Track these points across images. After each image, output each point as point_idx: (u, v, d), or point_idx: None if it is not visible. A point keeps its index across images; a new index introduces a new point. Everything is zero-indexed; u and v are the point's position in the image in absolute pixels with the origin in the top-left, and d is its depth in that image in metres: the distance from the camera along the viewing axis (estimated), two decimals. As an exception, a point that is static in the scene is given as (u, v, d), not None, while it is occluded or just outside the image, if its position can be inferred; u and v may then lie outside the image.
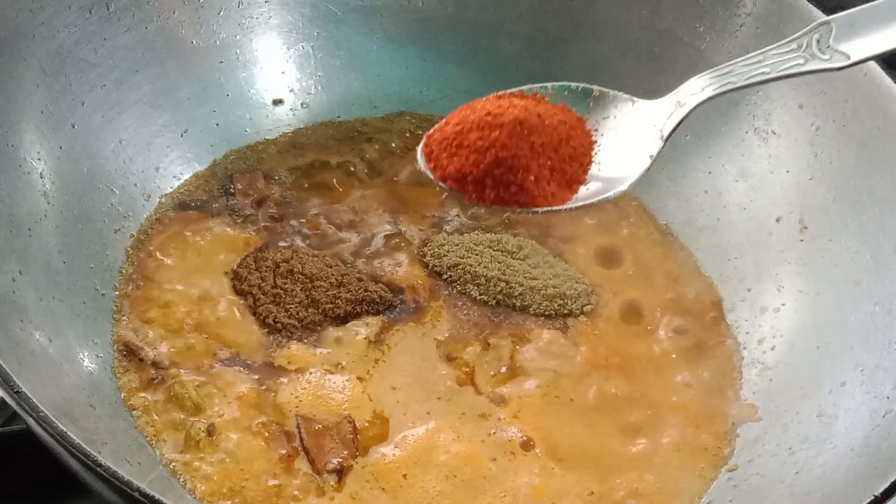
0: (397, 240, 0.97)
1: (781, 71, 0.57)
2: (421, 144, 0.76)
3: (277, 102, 1.05)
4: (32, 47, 0.84)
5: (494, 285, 0.92)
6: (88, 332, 0.83)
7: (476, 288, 0.93)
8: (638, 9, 1.00)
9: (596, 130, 0.72)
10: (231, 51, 1.02)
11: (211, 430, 0.79)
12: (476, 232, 0.98)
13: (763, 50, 0.56)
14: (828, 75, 0.89)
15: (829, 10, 0.90)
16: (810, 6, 0.91)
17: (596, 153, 0.72)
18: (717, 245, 0.98)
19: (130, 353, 0.84)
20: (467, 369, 0.88)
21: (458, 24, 1.06)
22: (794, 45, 0.56)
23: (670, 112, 0.67)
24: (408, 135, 1.06)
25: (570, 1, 1.03)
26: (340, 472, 0.79)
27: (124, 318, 0.86)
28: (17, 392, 0.63)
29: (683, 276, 0.97)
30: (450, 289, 0.93)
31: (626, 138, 0.70)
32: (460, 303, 0.92)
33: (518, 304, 0.92)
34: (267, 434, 0.80)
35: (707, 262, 0.98)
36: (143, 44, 0.95)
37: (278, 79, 1.05)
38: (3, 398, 0.64)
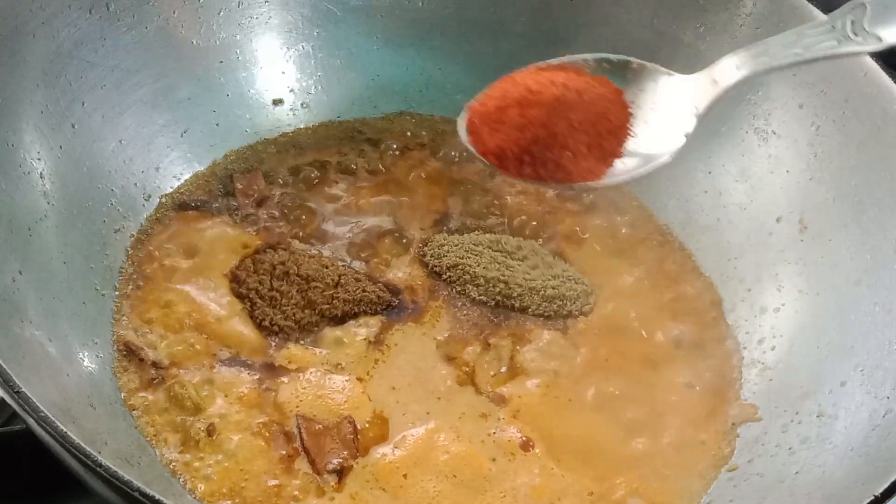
0: (397, 240, 0.97)
1: (815, 52, 0.56)
2: (462, 117, 0.75)
3: (277, 102, 1.05)
4: (32, 47, 0.84)
5: (494, 286, 0.92)
6: (88, 332, 0.83)
7: (475, 288, 0.93)
8: (638, 9, 1.00)
9: (633, 103, 0.71)
10: (231, 51, 1.02)
11: (211, 430, 0.79)
12: (476, 232, 0.98)
13: (797, 29, 0.55)
14: (828, 74, 0.90)
15: (829, 11, 0.91)
16: (810, 6, 0.91)
17: (632, 126, 0.71)
18: (717, 245, 0.98)
19: (130, 353, 0.84)
20: (467, 369, 0.88)
21: (458, 24, 1.06)
22: (828, 26, 0.55)
23: (705, 89, 0.66)
24: (408, 134, 1.06)
25: (570, 1, 1.03)
26: (340, 473, 0.79)
27: (124, 318, 0.86)
28: (17, 392, 0.63)
29: (683, 276, 0.97)
30: (449, 289, 0.93)
31: (662, 112, 0.69)
32: (460, 303, 0.92)
33: (517, 304, 0.92)
34: (267, 434, 0.80)
35: (707, 262, 0.98)
36: (143, 44, 0.95)
37: (278, 79, 1.05)
38: (3, 398, 0.64)
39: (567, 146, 0.69)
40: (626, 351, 0.91)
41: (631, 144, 0.71)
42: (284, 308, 0.88)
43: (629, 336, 0.92)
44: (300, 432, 0.81)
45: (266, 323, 0.88)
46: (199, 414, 0.80)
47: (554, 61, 0.71)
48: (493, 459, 0.82)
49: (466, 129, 0.75)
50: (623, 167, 0.71)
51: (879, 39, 0.53)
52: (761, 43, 0.59)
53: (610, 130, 0.70)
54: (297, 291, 0.89)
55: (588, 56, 0.71)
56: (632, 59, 0.68)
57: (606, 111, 0.71)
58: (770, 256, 0.94)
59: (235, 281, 0.90)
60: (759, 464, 0.82)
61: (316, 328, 0.88)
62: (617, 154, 0.70)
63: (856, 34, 0.54)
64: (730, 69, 0.61)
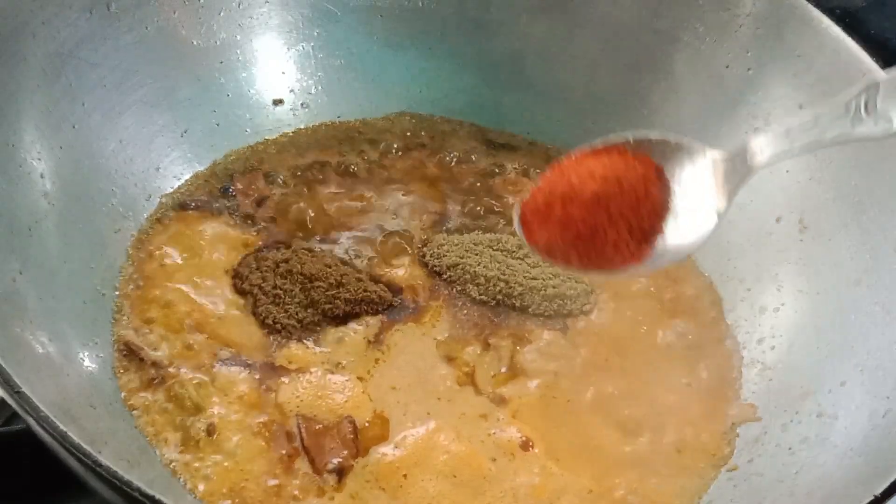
0: (397, 239, 0.97)
1: (831, 136, 0.56)
2: (516, 210, 0.76)
3: (277, 102, 1.05)
4: (32, 47, 0.84)
5: (494, 285, 0.92)
6: (88, 332, 0.83)
7: (476, 288, 0.93)
8: (638, 9, 1.00)
9: (672, 178, 0.71)
10: (231, 51, 1.02)
11: (211, 430, 0.79)
12: (476, 232, 0.98)
13: (814, 111, 0.55)
14: (828, 73, 0.90)
15: (828, 11, 0.91)
16: (810, 6, 0.91)
17: (672, 201, 0.72)
18: (717, 245, 0.97)
19: (130, 353, 0.84)
20: (467, 369, 0.88)
21: (458, 24, 1.06)
22: (842, 108, 0.55)
23: (737, 172, 0.66)
24: (408, 135, 1.06)
25: (570, 1, 1.03)
26: (340, 472, 0.79)
27: (124, 318, 0.86)
28: (17, 392, 0.63)
29: (683, 276, 0.97)
30: (449, 289, 0.93)
31: (697, 188, 0.70)
32: (460, 303, 0.92)
33: (518, 304, 0.92)
34: (267, 434, 0.80)
35: (707, 262, 0.98)
36: (143, 44, 0.95)
37: (278, 79, 1.05)
38: (3, 398, 0.64)
39: (608, 239, 0.71)
40: (625, 351, 0.91)
41: (670, 221, 0.71)
42: (287, 306, 0.88)
43: (629, 336, 0.92)
44: (300, 432, 0.81)
45: (269, 321, 0.88)
46: (199, 414, 0.80)
47: (598, 143, 0.71)
48: (493, 459, 0.82)
49: (520, 221, 0.76)
50: (662, 248, 0.71)
51: (891, 122, 0.53)
52: (783, 125, 0.58)
53: (650, 211, 0.71)
54: (300, 290, 0.89)
55: (629, 135, 0.72)
56: (669, 136, 0.68)
57: (647, 192, 0.71)
58: (770, 256, 0.94)
59: (238, 277, 0.90)
60: (759, 464, 0.82)
61: (318, 327, 0.88)
62: (658, 231, 0.71)
63: (868, 114, 0.53)
64: (759, 153, 0.60)
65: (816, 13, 0.90)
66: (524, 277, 0.93)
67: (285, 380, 0.84)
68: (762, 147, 0.59)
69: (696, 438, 0.85)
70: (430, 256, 0.95)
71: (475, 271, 0.93)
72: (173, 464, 0.78)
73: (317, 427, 0.81)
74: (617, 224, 0.70)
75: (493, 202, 1.01)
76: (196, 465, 0.78)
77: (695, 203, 0.69)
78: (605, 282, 0.95)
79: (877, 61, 0.88)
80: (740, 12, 0.96)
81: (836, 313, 0.87)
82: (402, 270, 0.94)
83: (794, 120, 0.57)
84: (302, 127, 1.05)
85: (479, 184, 1.03)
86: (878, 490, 0.66)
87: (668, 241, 0.70)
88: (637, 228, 0.70)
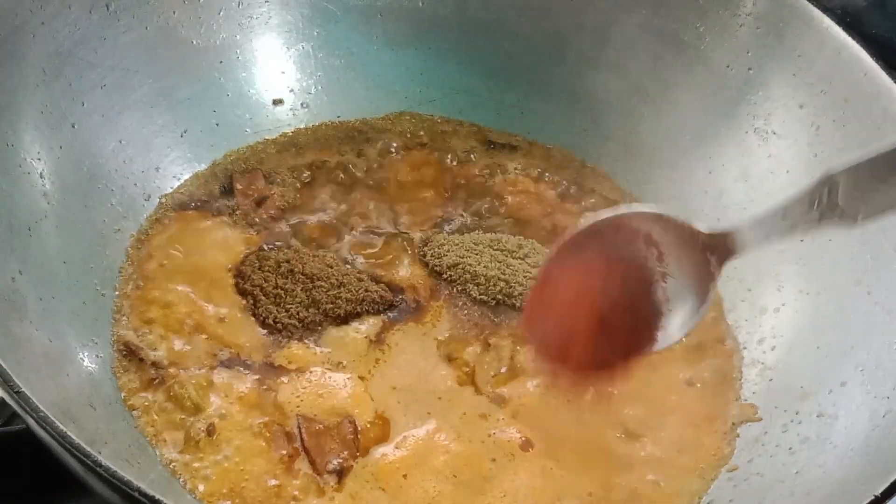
0: (398, 239, 0.97)
1: (803, 228, 0.56)
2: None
3: (277, 102, 1.05)
4: (32, 47, 0.84)
5: (494, 285, 0.92)
6: (88, 332, 0.83)
7: (476, 288, 0.93)
8: (638, 9, 1.00)
9: (663, 248, 0.69)
10: (231, 51, 1.02)
11: (211, 430, 0.79)
12: (476, 232, 0.98)
13: (784, 205, 0.56)
14: (828, 74, 0.90)
15: (828, 10, 0.91)
16: (810, 6, 0.91)
17: (665, 275, 0.70)
18: (717, 245, 0.97)
19: (130, 353, 0.84)
20: (467, 369, 0.88)
21: (458, 24, 1.06)
22: (807, 204, 0.55)
23: (721, 254, 0.64)
24: (408, 135, 1.06)
25: (571, 1, 1.03)
26: (341, 473, 0.79)
27: (124, 318, 0.86)
28: (17, 392, 0.63)
29: (683, 276, 0.97)
30: (450, 289, 0.93)
31: (687, 265, 0.68)
32: (460, 303, 0.92)
33: (518, 303, 0.92)
34: (267, 434, 0.80)
35: (707, 262, 0.98)
36: (143, 44, 0.95)
37: (278, 79, 1.05)
38: (3, 398, 0.64)
39: (605, 353, 0.70)
40: (626, 351, 0.91)
41: (662, 295, 0.70)
42: (289, 306, 0.88)
43: (629, 336, 0.92)
44: (300, 432, 0.81)
45: (270, 321, 0.88)
46: (199, 414, 0.80)
47: (583, 226, 0.69)
48: (493, 460, 0.82)
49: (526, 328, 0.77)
50: (664, 334, 0.70)
51: (855, 217, 0.53)
52: (759, 216, 0.59)
53: (645, 305, 0.69)
54: (301, 290, 0.89)
55: (623, 209, 0.69)
56: (662, 211, 0.67)
57: (637, 285, 0.70)
58: (770, 256, 0.94)
59: (241, 276, 0.90)
60: (759, 464, 0.82)
61: (319, 327, 0.88)
62: (661, 313, 0.69)
63: (832, 210, 0.53)
64: (743, 240, 0.61)
65: (817, 13, 0.90)
66: (524, 277, 0.93)
67: (285, 380, 0.84)
68: (749, 238, 0.59)
69: (696, 438, 0.85)
70: (431, 256, 0.95)
71: (475, 271, 0.93)
72: (173, 464, 0.78)
73: (317, 427, 0.81)
74: (612, 333, 0.69)
75: (494, 202, 1.01)
76: (196, 465, 0.78)
77: (686, 276, 0.67)
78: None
79: (877, 61, 0.88)
80: (741, 12, 0.96)
81: (836, 313, 0.87)
82: (402, 270, 0.94)
83: (768, 212, 0.57)
84: (302, 127, 1.05)
85: (479, 184, 1.03)
86: (878, 490, 0.66)
87: (670, 325, 0.69)
88: (634, 330, 0.69)
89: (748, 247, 0.60)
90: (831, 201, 0.52)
